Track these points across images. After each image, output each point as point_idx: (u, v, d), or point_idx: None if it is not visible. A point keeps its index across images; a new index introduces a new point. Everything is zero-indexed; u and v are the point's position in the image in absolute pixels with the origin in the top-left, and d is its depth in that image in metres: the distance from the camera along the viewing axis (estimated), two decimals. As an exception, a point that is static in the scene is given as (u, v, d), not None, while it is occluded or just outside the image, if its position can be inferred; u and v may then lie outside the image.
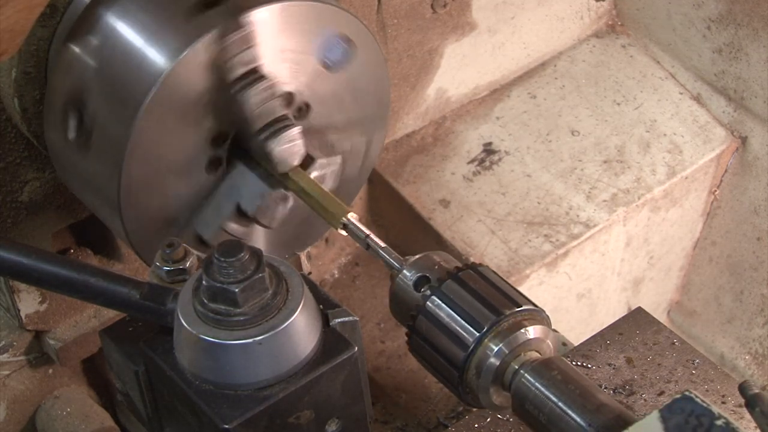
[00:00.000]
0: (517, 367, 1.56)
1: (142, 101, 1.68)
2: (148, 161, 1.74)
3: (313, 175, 1.84)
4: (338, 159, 1.90)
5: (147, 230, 1.82)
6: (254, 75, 1.77)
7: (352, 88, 1.90)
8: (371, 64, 1.90)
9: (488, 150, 2.75)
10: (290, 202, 1.86)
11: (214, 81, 1.73)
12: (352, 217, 1.75)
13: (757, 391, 1.51)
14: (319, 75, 1.85)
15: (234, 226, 1.86)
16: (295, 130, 1.81)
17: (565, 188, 2.67)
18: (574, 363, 1.90)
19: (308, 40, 1.81)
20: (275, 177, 1.83)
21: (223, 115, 1.78)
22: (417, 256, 1.68)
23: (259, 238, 1.93)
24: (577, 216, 2.62)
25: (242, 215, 1.86)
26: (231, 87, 1.75)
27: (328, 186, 1.86)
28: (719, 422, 1.36)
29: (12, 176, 1.96)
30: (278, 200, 1.85)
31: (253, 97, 1.77)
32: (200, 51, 1.69)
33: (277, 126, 1.80)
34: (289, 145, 1.81)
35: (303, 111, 1.87)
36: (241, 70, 1.75)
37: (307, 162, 1.85)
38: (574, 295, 2.72)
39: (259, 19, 1.73)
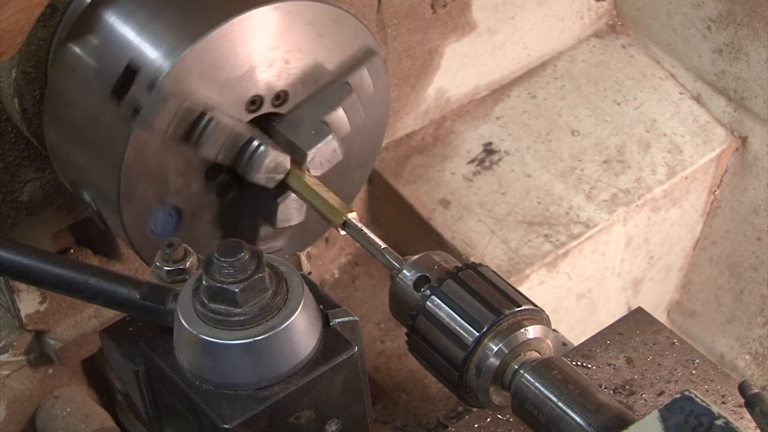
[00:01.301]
0: (516, 366, 1.56)
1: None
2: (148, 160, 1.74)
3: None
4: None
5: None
6: None
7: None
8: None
9: (488, 150, 2.75)
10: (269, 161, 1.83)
11: None
12: (352, 216, 1.75)
13: (756, 390, 1.51)
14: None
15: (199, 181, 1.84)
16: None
17: (565, 188, 2.67)
18: (574, 363, 1.90)
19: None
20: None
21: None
22: (416, 256, 1.67)
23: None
24: (577, 216, 2.62)
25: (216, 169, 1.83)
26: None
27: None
28: (719, 422, 1.36)
29: (12, 176, 1.96)
30: (274, 162, 1.82)
31: None
32: (200, 51, 1.69)
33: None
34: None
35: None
36: None
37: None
38: (574, 295, 2.72)
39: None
